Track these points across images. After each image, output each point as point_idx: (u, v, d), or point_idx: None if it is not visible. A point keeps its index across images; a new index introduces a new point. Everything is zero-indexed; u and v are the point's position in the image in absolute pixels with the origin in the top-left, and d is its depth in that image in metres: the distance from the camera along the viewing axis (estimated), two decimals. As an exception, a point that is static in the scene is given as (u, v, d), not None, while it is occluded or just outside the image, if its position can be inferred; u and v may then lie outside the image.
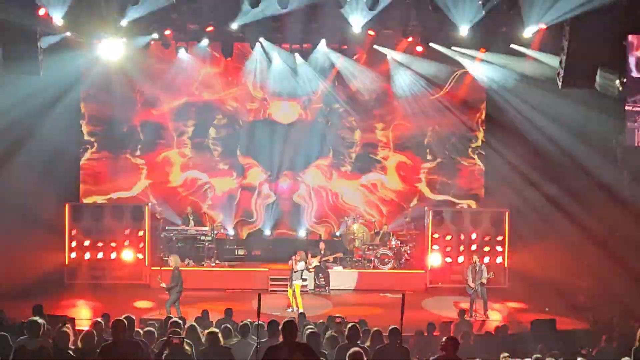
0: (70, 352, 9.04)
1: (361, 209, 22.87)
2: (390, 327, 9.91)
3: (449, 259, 20.82)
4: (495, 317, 17.64)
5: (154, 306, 17.58)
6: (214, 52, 21.58)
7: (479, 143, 22.81)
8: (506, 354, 10.95)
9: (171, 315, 13.42)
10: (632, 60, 17.69)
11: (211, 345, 9.50)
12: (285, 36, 20.34)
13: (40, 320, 9.36)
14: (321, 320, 13.48)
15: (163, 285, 16.49)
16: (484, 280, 17.70)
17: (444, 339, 9.23)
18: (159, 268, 18.54)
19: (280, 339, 8.89)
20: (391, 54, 21.51)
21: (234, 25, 18.93)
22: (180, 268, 16.79)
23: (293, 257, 18.21)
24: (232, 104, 22.67)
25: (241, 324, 10.83)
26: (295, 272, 18.03)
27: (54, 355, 8.71)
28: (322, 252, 20.35)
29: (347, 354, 8.56)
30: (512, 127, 20.84)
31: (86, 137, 22.12)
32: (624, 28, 17.45)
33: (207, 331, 9.72)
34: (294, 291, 17.86)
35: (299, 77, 22.17)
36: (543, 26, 18.31)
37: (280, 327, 9.20)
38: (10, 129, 18.37)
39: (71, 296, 18.66)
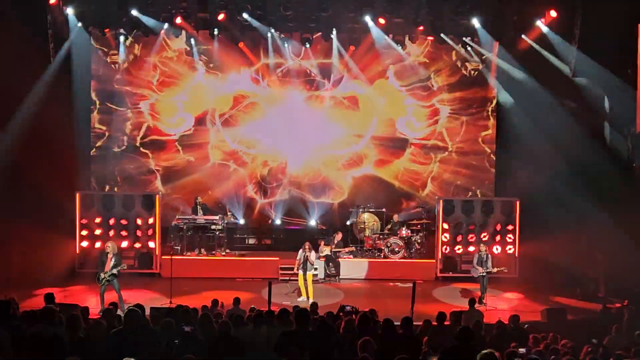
0: (82, 340, 9.07)
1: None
2: (402, 317, 9.93)
3: (459, 248, 20.80)
4: (505, 306, 17.61)
5: (165, 295, 17.61)
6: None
7: (490, 131, 22.80)
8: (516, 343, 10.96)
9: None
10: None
11: (221, 335, 9.53)
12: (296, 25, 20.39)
13: (56, 308, 9.39)
14: (331, 310, 13.49)
15: (124, 267, 16.62)
16: (493, 270, 17.73)
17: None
18: (169, 257, 18.63)
19: (293, 327, 8.94)
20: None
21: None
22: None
23: (306, 247, 18.20)
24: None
25: (255, 312, 10.88)
26: (309, 261, 18.02)
27: (68, 343, 8.75)
28: (335, 242, 20.33)
29: (358, 343, 8.58)
30: (523, 116, 20.77)
31: (97, 125, 22.24)
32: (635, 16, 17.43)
33: (219, 321, 9.72)
34: (306, 280, 17.88)
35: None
36: (554, 14, 18.25)
37: (292, 315, 9.23)
38: (22, 117, 18.48)
39: (82, 285, 18.71)
